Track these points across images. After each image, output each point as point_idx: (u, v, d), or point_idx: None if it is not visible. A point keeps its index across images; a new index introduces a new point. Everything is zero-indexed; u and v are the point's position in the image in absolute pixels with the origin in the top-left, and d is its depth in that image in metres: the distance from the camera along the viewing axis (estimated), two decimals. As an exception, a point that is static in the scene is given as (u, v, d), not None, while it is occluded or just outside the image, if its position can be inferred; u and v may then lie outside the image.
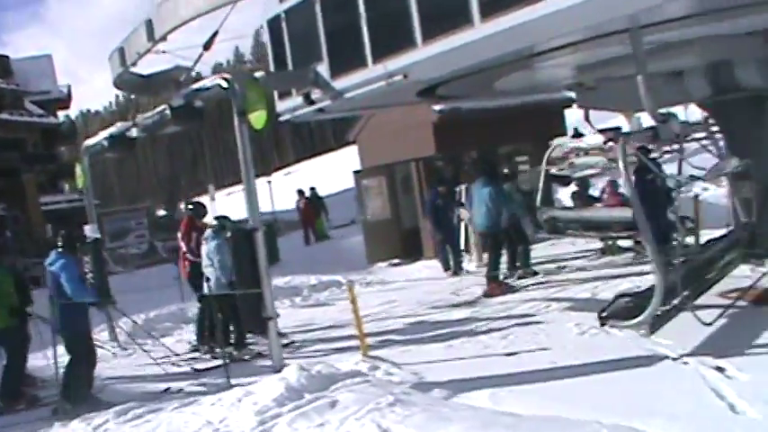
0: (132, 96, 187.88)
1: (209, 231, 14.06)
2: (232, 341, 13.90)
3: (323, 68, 13.49)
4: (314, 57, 13.51)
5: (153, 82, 12.64)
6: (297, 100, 14.67)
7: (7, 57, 61.97)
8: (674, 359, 10.00)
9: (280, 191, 56.69)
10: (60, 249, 11.94)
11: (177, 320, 17.83)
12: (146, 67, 13.14)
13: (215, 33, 12.94)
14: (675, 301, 10.98)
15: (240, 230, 11.50)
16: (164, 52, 12.65)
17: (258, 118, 10.63)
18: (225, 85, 11.12)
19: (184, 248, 14.85)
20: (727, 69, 14.95)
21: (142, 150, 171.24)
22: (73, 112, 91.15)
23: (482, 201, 16.74)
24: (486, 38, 10.75)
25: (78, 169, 16.62)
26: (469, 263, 20.49)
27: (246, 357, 13.54)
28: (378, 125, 24.70)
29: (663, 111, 12.66)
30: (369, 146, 25.55)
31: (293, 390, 9.18)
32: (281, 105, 15.75)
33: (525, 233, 18.20)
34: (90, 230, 16.51)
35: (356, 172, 25.90)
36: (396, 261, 24.05)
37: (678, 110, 14.37)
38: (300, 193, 35.62)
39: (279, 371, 10.41)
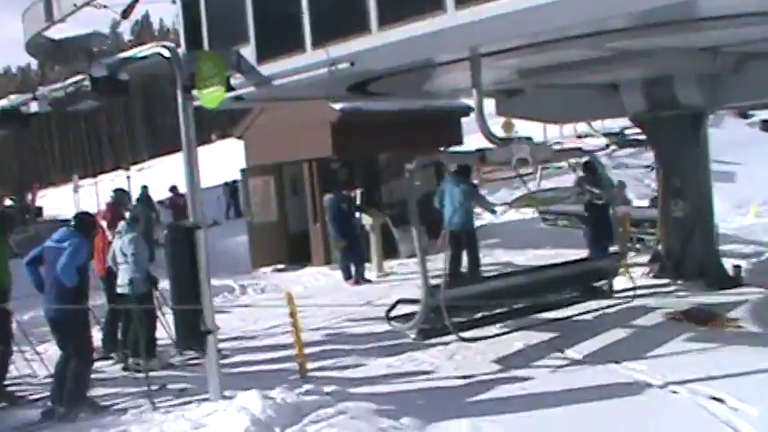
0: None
1: (122, 224, 12.72)
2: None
3: (247, 51, 12.05)
4: (237, 38, 12.02)
5: (65, 48, 10.92)
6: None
7: None
8: (660, 387, 9.11)
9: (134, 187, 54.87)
10: (74, 229, 10.51)
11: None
12: (57, 31, 11.42)
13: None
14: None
15: (178, 228, 9.94)
16: (105, 7, 10.91)
17: (212, 95, 9.22)
18: (166, 54, 9.64)
19: (110, 239, 13.28)
20: (666, 85, 14.34)
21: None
22: None
23: (455, 198, 16.43)
24: (460, 27, 9.61)
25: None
26: (370, 272, 19.37)
27: (155, 368, 12.08)
28: (267, 122, 23.25)
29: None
30: (256, 143, 24.02)
31: (261, 425, 7.67)
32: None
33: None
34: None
35: (243, 170, 24.53)
36: (281, 266, 22.79)
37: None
38: (173, 189, 33.68)
39: (225, 398, 9.05)
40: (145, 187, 33.23)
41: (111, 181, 79.40)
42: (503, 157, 12.66)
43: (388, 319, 11.68)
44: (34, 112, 11.93)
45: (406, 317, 11.38)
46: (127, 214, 12.86)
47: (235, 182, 48.21)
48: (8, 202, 55.75)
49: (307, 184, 22.63)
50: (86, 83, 10.06)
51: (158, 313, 12.71)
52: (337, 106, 21.40)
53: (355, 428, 7.49)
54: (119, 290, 12.53)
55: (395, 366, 11.22)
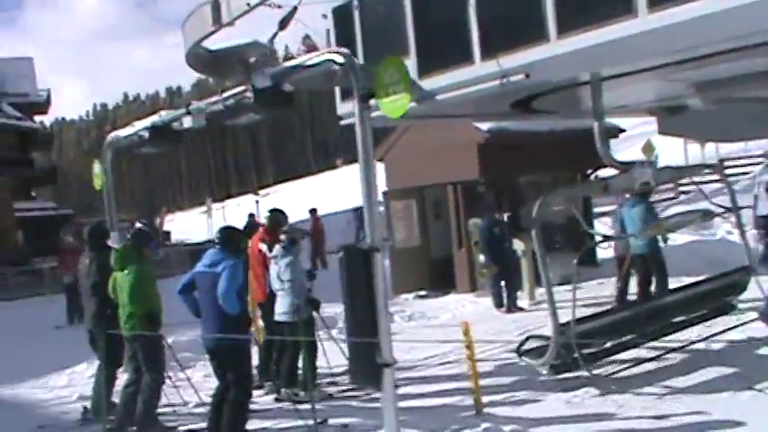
0: (111, 107, 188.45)
1: (278, 248, 12.05)
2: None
3: (408, 64, 11.31)
4: (395, 51, 11.27)
5: (222, 59, 10.29)
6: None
7: (-15, 56, 59.40)
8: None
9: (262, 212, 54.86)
10: (220, 248, 9.86)
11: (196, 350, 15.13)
12: (215, 42, 10.81)
13: (294, 9, 10.68)
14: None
15: (355, 250, 9.15)
16: (279, 7, 10.18)
17: (395, 104, 8.47)
18: (340, 60, 8.94)
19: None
20: None
21: (116, 161, 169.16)
22: (47, 119, 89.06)
23: (636, 220, 15.45)
24: (650, 32, 8.74)
25: (96, 167, 14.24)
26: (521, 300, 18.47)
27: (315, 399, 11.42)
28: (409, 143, 22.59)
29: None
30: (398, 165, 23.39)
31: None
32: (342, 107, 13.71)
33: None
34: (114, 240, 14.26)
35: (384, 193, 23.89)
36: (423, 293, 22.02)
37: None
38: (313, 212, 33.28)
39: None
40: (252, 215, 33.20)
41: (237, 206, 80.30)
42: (625, 184, 12.34)
43: (519, 354, 11.40)
44: (186, 128, 11.39)
45: (539, 350, 11.01)
46: (282, 237, 12.22)
47: (361, 207, 48.17)
48: (138, 226, 56.45)
49: (451, 208, 21.83)
50: (248, 94, 9.43)
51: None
52: (484, 127, 20.67)
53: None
54: (277, 317, 11.94)
55: (575, 403, 10.25)
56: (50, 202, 74.01)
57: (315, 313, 12.17)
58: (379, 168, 25.72)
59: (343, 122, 13.87)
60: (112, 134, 13.88)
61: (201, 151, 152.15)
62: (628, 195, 16.37)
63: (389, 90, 8.40)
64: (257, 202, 53.44)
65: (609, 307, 15.64)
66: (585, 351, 11.29)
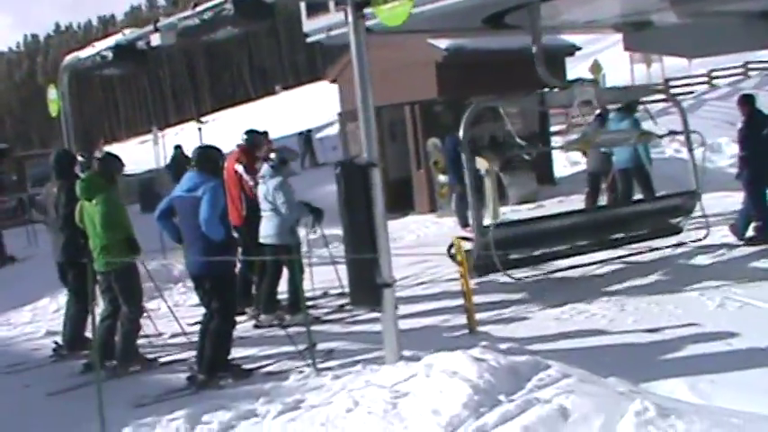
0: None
1: (266, 168, 11.60)
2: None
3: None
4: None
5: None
6: (335, 17, 12.08)
7: None
8: None
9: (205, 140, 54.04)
10: (198, 169, 9.32)
11: (161, 280, 14.67)
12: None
13: None
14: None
15: (352, 166, 8.78)
16: None
17: (395, 11, 8.07)
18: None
19: (251, 182, 12.09)
20: None
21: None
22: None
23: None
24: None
25: (52, 92, 13.63)
26: (486, 218, 18.22)
27: (298, 323, 11.12)
28: (364, 65, 22.16)
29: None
30: (352, 86, 22.85)
31: (482, 392, 6.35)
32: (309, 24, 13.26)
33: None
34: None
35: (339, 114, 23.44)
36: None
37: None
38: (264, 135, 32.66)
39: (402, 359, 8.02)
40: (178, 146, 32.90)
41: (175, 134, 79.02)
42: (564, 100, 12.89)
43: (450, 256, 11.75)
44: (155, 47, 10.84)
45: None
46: (272, 156, 11.81)
47: (309, 131, 47.71)
48: (80, 158, 55.18)
49: (409, 128, 21.49)
50: (228, 6, 8.95)
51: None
52: (442, 45, 20.28)
53: (591, 394, 6.30)
54: (262, 239, 11.57)
55: (564, 319, 10.07)
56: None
57: (316, 228, 12.29)
58: (333, 90, 25.35)
59: (309, 39, 13.43)
60: (70, 56, 13.27)
61: (136, 80, 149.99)
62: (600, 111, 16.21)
63: (385, -5, 8.00)
64: (200, 129, 52.38)
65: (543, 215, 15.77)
66: (513, 256, 11.95)
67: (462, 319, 10.16)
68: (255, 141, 12.69)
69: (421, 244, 16.82)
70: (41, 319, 13.86)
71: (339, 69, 23.65)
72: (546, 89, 21.56)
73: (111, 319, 10.05)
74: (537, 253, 12.53)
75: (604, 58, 38.47)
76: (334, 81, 24.25)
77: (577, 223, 13.55)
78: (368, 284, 8.23)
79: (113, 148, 79.30)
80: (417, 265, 14.16)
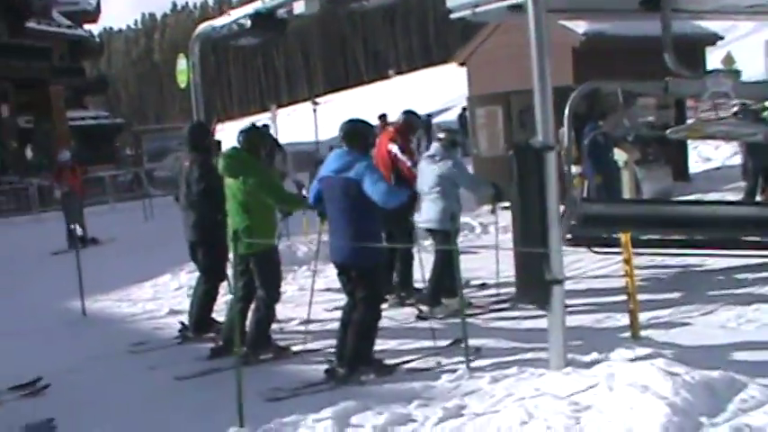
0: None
1: (436, 147, 11.08)
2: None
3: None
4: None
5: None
6: (482, -9, 11.29)
7: (35, -37, 58.10)
8: None
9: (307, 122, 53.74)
10: (348, 147, 8.58)
11: (286, 262, 14.11)
12: None
13: None
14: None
15: (528, 148, 8.01)
16: None
17: None
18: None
19: (408, 163, 11.51)
20: None
21: (165, 68, 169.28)
22: (96, 28, 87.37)
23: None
24: None
25: (181, 63, 13.14)
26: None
27: (440, 316, 10.52)
28: (494, 47, 21.33)
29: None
30: (482, 70, 22.14)
31: (680, 413, 5.57)
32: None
33: None
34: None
35: (469, 98, 22.69)
36: (507, 204, 20.83)
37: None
38: (382, 118, 31.91)
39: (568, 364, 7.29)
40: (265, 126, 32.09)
41: (287, 116, 79.11)
42: (693, 91, 11.91)
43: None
44: (297, 14, 10.23)
45: None
46: (441, 135, 11.29)
47: (429, 115, 46.97)
48: (252, 123, 54.77)
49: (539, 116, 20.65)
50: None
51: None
52: (580, 30, 19.39)
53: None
54: (423, 224, 11.03)
55: (730, 329, 9.13)
56: (102, 111, 73.34)
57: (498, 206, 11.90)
58: (446, 75, 24.65)
59: (453, 15, 12.70)
60: (203, 25, 12.77)
61: (250, 60, 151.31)
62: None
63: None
64: (315, 110, 52.24)
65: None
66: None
67: (617, 320, 9.48)
68: (412, 122, 12.04)
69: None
70: (163, 296, 13.46)
71: (468, 53, 22.91)
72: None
73: (243, 303, 9.41)
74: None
75: (738, 50, 36.90)
76: (462, 64, 23.50)
77: (701, 215, 12.79)
78: (536, 280, 7.49)
79: (226, 127, 79.88)
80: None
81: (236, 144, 9.62)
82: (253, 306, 9.47)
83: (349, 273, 8.61)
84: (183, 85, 13.24)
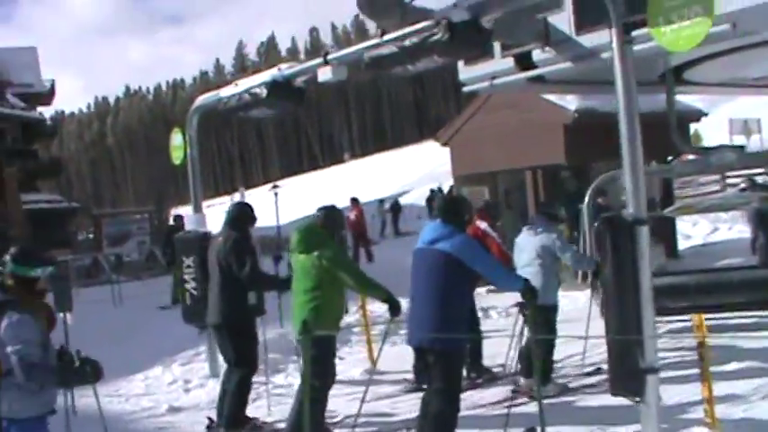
0: (112, 100, 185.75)
1: (538, 218, 11.15)
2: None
3: (561, 19, 9.51)
4: (545, 3, 9.51)
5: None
6: (500, 63, 10.69)
7: (-12, 45, 57.50)
8: None
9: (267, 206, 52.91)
10: (443, 219, 8.03)
11: (283, 351, 13.29)
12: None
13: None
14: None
15: (620, 221, 7.21)
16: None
17: (686, 34, 6.47)
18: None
19: (498, 240, 11.92)
20: None
21: (118, 152, 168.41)
22: (48, 111, 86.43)
23: None
24: None
25: (176, 138, 12.44)
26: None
27: (551, 394, 9.92)
28: (479, 127, 20.84)
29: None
30: (466, 150, 21.61)
31: None
32: (468, 71, 11.88)
33: None
34: (194, 221, 12.45)
35: (457, 178, 22.20)
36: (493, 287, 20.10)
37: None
38: (354, 201, 31.50)
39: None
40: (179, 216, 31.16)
41: (245, 200, 78.40)
42: (698, 168, 12.18)
43: None
44: (323, 81, 9.56)
45: None
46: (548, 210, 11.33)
47: (397, 198, 46.47)
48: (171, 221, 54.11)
49: (529, 195, 20.08)
50: (437, 31, 7.58)
51: None
52: (571, 107, 18.91)
53: None
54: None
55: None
56: (55, 194, 72.32)
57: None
58: (443, 153, 24.04)
59: (467, 89, 12.09)
60: (204, 96, 12.08)
61: (205, 144, 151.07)
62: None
63: (675, 14, 6.45)
64: (276, 194, 51.45)
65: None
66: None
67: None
68: (493, 205, 11.79)
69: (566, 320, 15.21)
70: (157, 391, 12.40)
71: (452, 132, 22.42)
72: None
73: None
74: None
75: (703, 127, 36.83)
76: (445, 144, 22.95)
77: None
78: (629, 368, 6.73)
79: (180, 211, 78.95)
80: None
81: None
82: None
83: (427, 357, 7.92)
84: (178, 162, 12.57)
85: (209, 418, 10.07)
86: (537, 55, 9.83)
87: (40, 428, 6.33)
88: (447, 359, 7.73)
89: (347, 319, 14.02)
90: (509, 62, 10.37)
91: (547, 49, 9.65)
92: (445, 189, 44.19)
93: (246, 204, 10.59)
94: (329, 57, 9.34)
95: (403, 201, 52.53)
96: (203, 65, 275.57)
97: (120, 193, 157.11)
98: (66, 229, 59.62)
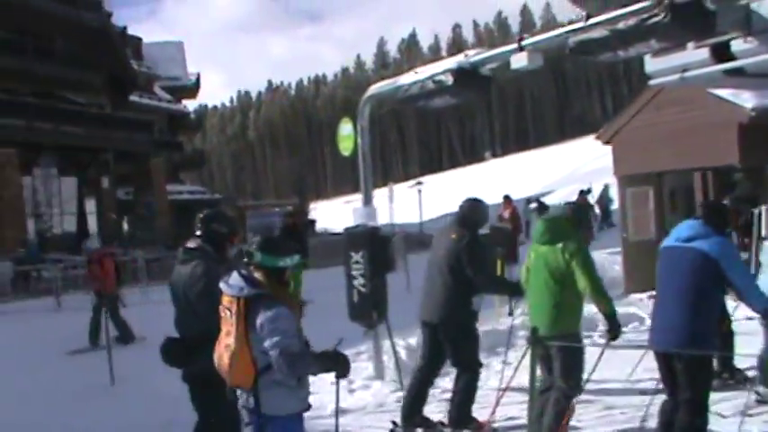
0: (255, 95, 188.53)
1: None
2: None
3: (766, 6, 8.68)
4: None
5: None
6: (693, 54, 9.89)
7: (140, 39, 59.22)
8: None
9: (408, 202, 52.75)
10: (705, 221, 7.60)
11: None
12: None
13: None
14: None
15: None
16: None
17: None
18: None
19: None
20: None
21: (260, 146, 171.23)
22: (192, 104, 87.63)
23: None
24: None
25: (347, 128, 12.02)
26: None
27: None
28: (643, 125, 19.91)
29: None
30: (629, 149, 20.70)
31: None
32: (656, 63, 11.09)
33: None
34: (363, 215, 11.98)
35: (620, 179, 21.34)
36: (655, 292, 19.20)
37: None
38: (507, 198, 30.59)
39: None
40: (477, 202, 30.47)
41: (384, 197, 78.47)
42: None
43: None
44: (518, 68, 8.94)
45: None
46: None
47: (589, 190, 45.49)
48: (289, 208, 54.79)
49: (698, 197, 19.08)
50: (657, 12, 6.92)
51: None
52: (748, 105, 17.82)
53: None
54: None
55: None
56: (197, 186, 73.90)
57: None
58: (586, 153, 23.23)
59: (653, 82, 11.33)
60: (378, 84, 11.60)
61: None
62: None
63: None
64: (420, 191, 51.40)
65: None
66: None
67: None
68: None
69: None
70: (320, 390, 11.90)
71: (613, 131, 21.53)
72: None
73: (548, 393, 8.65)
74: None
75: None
76: (608, 143, 22.05)
77: None
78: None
79: (318, 207, 79.40)
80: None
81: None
82: (552, 399, 8.51)
83: (673, 364, 7.41)
84: (347, 153, 12.13)
85: (394, 422, 9.80)
86: (736, 45, 9.05)
87: (299, 425, 6.24)
88: (697, 367, 7.28)
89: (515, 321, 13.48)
90: (703, 53, 9.61)
91: (749, 39, 8.87)
92: (595, 189, 43.09)
93: (480, 201, 10.10)
94: (524, 42, 8.72)
95: (546, 201, 51.60)
96: (344, 61, 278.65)
97: (261, 186, 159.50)
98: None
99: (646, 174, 20.15)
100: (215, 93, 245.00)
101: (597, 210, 41.53)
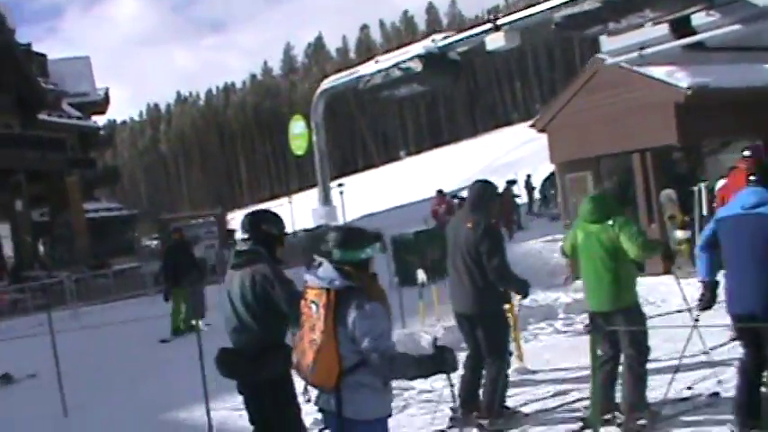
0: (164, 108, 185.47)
1: None
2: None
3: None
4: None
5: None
6: (651, 31, 9.75)
7: (44, 55, 57.71)
8: None
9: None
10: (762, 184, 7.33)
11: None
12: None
13: None
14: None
15: None
16: None
17: None
18: None
19: None
20: None
21: (172, 158, 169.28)
22: (102, 120, 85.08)
23: None
24: None
25: (297, 126, 11.59)
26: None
27: None
28: (577, 111, 19.78)
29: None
30: (564, 135, 20.54)
31: None
32: (613, 42, 10.96)
33: None
34: (322, 215, 11.58)
35: (559, 165, 21.19)
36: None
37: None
38: (440, 193, 30.45)
39: None
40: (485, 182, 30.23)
41: (302, 201, 78.00)
42: None
43: None
44: (492, 49, 8.62)
45: None
46: None
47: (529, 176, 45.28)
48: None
49: (638, 180, 18.95)
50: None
51: None
52: (683, 84, 17.74)
53: None
54: None
55: None
56: (113, 202, 72.67)
57: None
58: (500, 147, 23.05)
59: (609, 62, 11.13)
60: (333, 77, 11.20)
61: (259, 145, 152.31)
62: None
63: None
64: (341, 192, 51.06)
65: None
66: None
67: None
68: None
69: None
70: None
71: (548, 119, 21.37)
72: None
73: (611, 364, 8.72)
74: None
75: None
76: (542, 131, 21.90)
77: None
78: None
79: (237, 215, 78.38)
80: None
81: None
82: (627, 368, 8.60)
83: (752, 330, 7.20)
84: (300, 152, 11.73)
85: (452, 409, 9.46)
86: (698, 19, 8.90)
87: (384, 430, 5.76)
88: None
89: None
90: (661, 30, 9.45)
91: (711, 12, 8.73)
92: (525, 178, 43.20)
93: (489, 183, 9.80)
94: (500, 21, 8.41)
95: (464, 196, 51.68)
96: (251, 68, 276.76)
97: (176, 199, 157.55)
98: (128, 236, 59.69)
99: (582, 159, 20.02)
100: (123, 108, 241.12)
101: (526, 198, 41.67)
